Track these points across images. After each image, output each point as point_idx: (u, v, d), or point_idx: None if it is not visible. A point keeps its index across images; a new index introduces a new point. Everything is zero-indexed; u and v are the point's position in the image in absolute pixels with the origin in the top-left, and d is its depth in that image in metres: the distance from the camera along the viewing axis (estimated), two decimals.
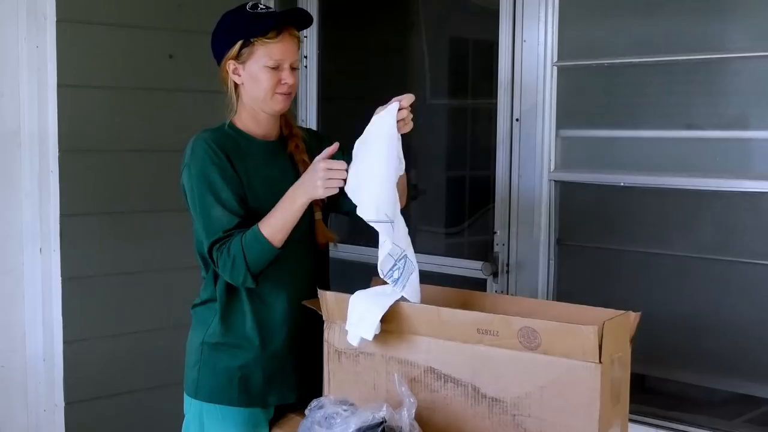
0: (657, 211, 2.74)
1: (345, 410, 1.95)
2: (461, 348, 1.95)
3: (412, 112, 2.07)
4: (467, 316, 1.96)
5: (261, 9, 2.22)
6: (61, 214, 3.13)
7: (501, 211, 2.97)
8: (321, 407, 1.99)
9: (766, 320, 2.53)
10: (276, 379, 2.27)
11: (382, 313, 2.01)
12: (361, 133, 2.07)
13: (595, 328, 1.77)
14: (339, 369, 2.15)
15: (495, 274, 2.98)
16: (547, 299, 2.85)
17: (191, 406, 2.30)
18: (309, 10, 3.42)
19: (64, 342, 3.15)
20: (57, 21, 3.08)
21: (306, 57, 3.61)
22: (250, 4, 2.23)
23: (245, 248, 2.11)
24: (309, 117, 3.66)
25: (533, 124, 2.87)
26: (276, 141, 2.32)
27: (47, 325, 3.16)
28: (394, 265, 2.03)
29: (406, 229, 2.07)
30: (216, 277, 2.25)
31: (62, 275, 3.14)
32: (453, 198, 3.59)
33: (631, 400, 2.00)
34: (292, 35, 2.22)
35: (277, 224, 2.11)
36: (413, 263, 2.07)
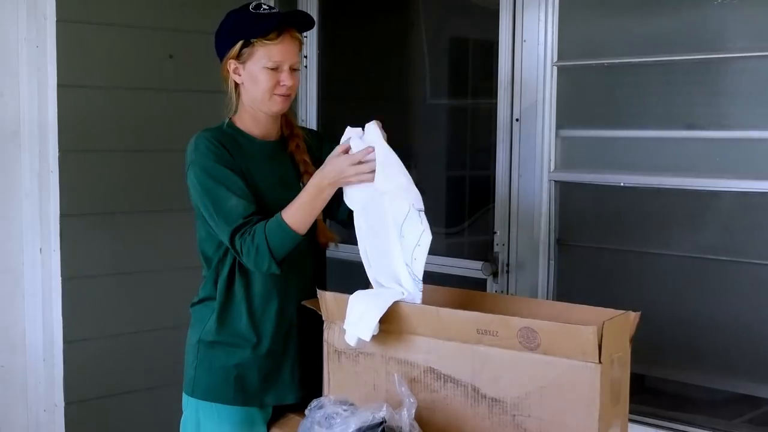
0: (657, 211, 2.74)
1: (345, 410, 1.96)
2: (461, 348, 1.95)
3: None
4: (467, 316, 1.96)
5: (264, 9, 2.22)
6: (61, 214, 3.13)
7: (501, 211, 2.97)
8: (321, 407, 1.99)
9: (766, 320, 2.53)
10: (273, 379, 2.27)
11: (381, 314, 2.01)
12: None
13: (594, 328, 1.77)
14: (339, 369, 2.15)
15: (495, 274, 2.98)
16: (547, 299, 2.85)
17: (188, 404, 2.31)
18: (309, 11, 3.44)
19: (64, 342, 3.15)
20: (57, 21, 3.08)
21: (306, 57, 3.61)
22: (254, 4, 2.23)
23: (269, 236, 2.11)
24: (309, 117, 3.66)
25: (533, 124, 2.87)
26: (276, 141, 2.33)
27: (47, 325, 3.16)
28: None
29: None
30: (217, 275, 2.25)
31: (62, 275, 3.14)
32: (453, 198, 3.59)
33: (631, 400, 2.00)
34: (293, 37, 2.22)
35: (303, 213, 2.11)
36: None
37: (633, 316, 1.96)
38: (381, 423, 1.88)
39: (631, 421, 2.05)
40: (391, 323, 2.03)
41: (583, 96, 2.92)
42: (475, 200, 3.43)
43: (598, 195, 2.87)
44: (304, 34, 2.32)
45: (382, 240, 2.07)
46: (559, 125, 2.87)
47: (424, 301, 2.06)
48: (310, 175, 2.16)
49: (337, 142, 2.13)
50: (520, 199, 2.92)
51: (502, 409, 1.91)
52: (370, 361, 2.09)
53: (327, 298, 2.13)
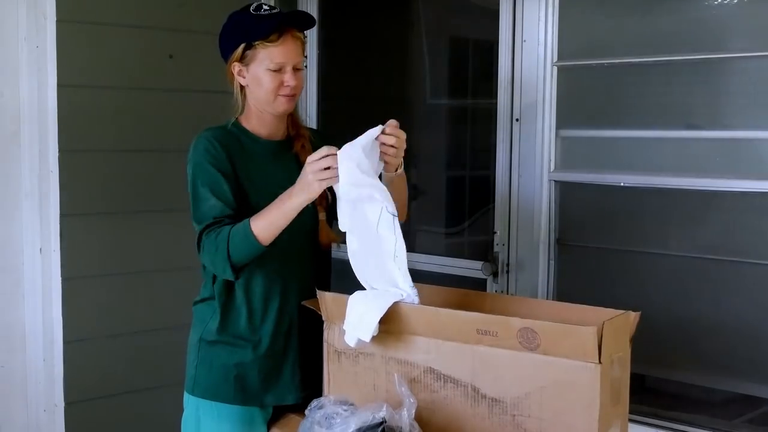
0: (657, 211, 2.74)
1: (345, 410, 1.96)
2: (461, 348, 1.95)
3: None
4: (467, 316, 1.96)
5: (264, 10, 2.22)
6: (61, 214, 3.12)
7: (501, 211, 2.97)
8: (321, 407, 1.99)
9: (766, 320, 2.53)
10: (273, 379, 2.27)
11: (381, 315, 2.01)
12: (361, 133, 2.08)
13: (594, 328, 1.77)
14: (339, 369, 2.15)
15: (495, 274, 2.98)
16: (547, 299, 2.85)
17: (189, 402, 2.31)
18: (309, 10, 3.44)
19: (64, 342, 3.15)
20: (57, 21, 3.07)
21: (306, 57, 3.61)
22: (254, 5, 2.23)
23: (231, 238, 2.10)
24: (309, 116, 3.66)
25: (533, 124, 2.87)
26: (282, 141, 2.33)
27: (47, 325, 3.16)
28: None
29: None
30: (215, 275, 2.25)
31: (62, 275, 3.14)
32: (453, 198, 3.59)
33: (631, 400, 2.00)
34: (294, 37, 2.22)
35: (268, 222, 2.09)
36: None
37: (633, 317, 1.96)
38: (381, 423, 1.88)
39: (631, 421, 2.05)
40: (391, 323, 2.03)
41: (583, 96, 2.92)
42: (475, 200, 3.43)
43: (598, 195, 2.87)
44: (305, 33, 2.32)
45: (370, 244, 2.07)
46: (559, 125, 2.87)
47: (424, 302, 2.06)
48: None
49: (337, 141, 2.13)
50: (520, 199, 2.92)
51: (502, 410, 1.91)
52: (370, 362, 2.09)
53: (327, 299, 2.13)
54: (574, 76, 2.89)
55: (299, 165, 2.29)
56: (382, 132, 2.05)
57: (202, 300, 2.32)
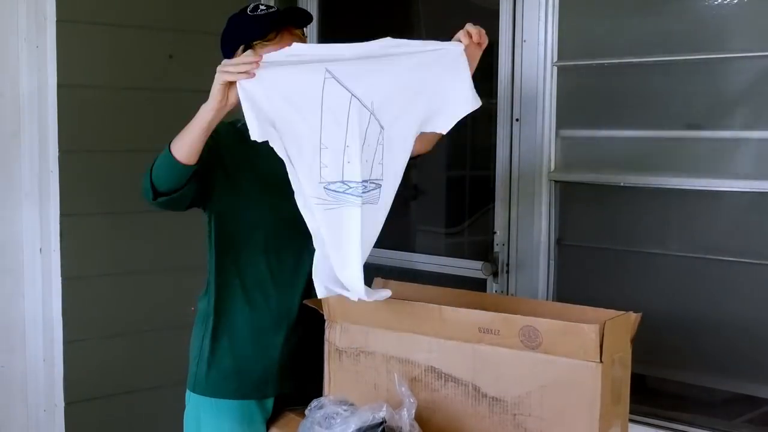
0: (657, 211, 2.74)
1: (345, 410, 1.96)
2: (462, 347, 1.96)
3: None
4: (468, 315, 1.96)
5: (261, 11, 2.22)
6: (61, 214, 3.12)
7: (501, 211, 2.97)
8: (321, 407, 2.00)
9: (766, 320, 2.53)
10: (272, 370, 2.27)
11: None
12: None
13: (596, 327, 1.77)
14: (339, 368, 2.15)
15: (495, 274, 2.98)
16: (547, 299, 2.85)
17: (190, 399, 2.32)
18: (309, 10, 3.43)
19: (64, 342, 3.15)
20: (57, 21, 3.07)
21: None
22: (251, 6, 2.23)
23: (155, 160, 2.10)
24: None
25: (533, 124, 2.87)
26: None
27: (47, 325, 3.16)
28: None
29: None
30: (216, 268, 2.26)
31: (62, 275, 3.14)
32: (453, 198, 3.59)
33: (632, 400, 2.01)
34: (292, 35, 2.22)
35: (181, 136, 2.06)
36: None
37: (634, 317, 1.96)
38: (381, 423, 1.88)
39: (632, 421, 2.06)
40: (392, 322, 2.03)
41: (583, 96, 2.92)
42: (475, 200, 3.42)
43: (598, 195, 2.87)
44: (305, 32, 2.31)
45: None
46: (559, 125, 2.87)
47: (425, 301, 2.05)
48: None
49: None
50: (520, 199, 2.92)
51: (503, 409, 1.91)
52: (371, 360, 2.10)
53: (329, 298, 2.13)
54: (574, 76, 2.89)
55: None
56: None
57: (204, 295, 2.33)
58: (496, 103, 2.97)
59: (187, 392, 2.32)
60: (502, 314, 1.92)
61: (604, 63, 2.81)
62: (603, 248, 2.87)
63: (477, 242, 3.33)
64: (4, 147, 3.11)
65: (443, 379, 1.99)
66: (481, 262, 3.01)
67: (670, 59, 2.66)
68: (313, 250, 2.19)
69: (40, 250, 3.15)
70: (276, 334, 2.27)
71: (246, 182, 2.24)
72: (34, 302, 3.16)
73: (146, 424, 3.33)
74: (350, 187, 1.99)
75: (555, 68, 2.85)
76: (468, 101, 2.04)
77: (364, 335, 2.11)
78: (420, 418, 1.93)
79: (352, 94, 1.96)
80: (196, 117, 2.02)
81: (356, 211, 1.98)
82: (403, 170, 2.04)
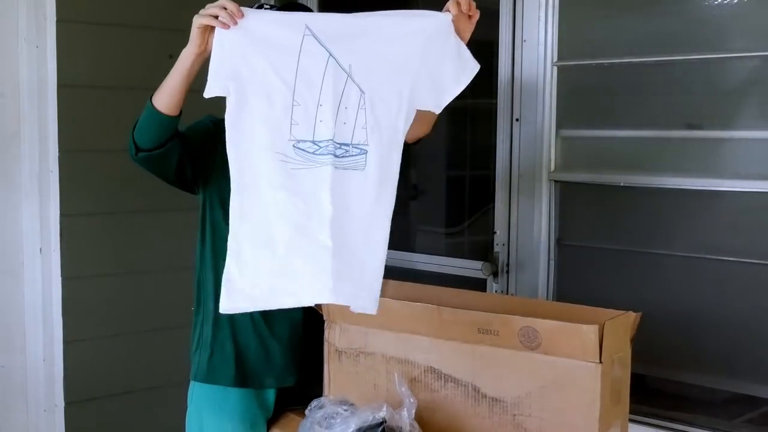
0: (657, 211, 2.74)
1: (345, 410, 1.96)
2: (462, 348, 1.96)
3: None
4: (468, 315, 1.96)
5: (265, 9, 2.22)
6: (61, 214, 3.12)
7: (501, 211, 2.97)
8: (321, 407, 2.00)
9: (766, 320, 2.53)
10: (272, 361, 2.27)
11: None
12: None
13: (595, 327, 1.77)
14: (339, 369, 2.16)
15: (495, 274, 2.97)
16: (547, 299, 2.85)
17: (192, 398, 2.32)
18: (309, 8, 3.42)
19: (64, 342, 3.15)
20: (57, 21, 3.07)
21: None
22: (255, 6, 2.23)
23: (140, 115, 2.09)
24: None
25: (533, 124, 2.87)
26: None
27: (47, 325, 3.16)
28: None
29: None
30: (209, 256, 2.27)
31: (62, 275, 3.14)
32: (453, 198, 3.59)
33: (632, 400, 2.01)
34: None
35: (163, 87, 2.06)
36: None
37: (634, 317, 1.96)
38: (381, 423, 1.88)
39: (631, 421, 2.06)
40: (391, 322, 2.03)
41: (583, 96, 2.92)
42: (475, 200, 3.42)
43: (598, 195, 2.87)
44: None
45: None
46: (559, 125, 2.87)
47: (425, 301, 2.05)
48: None
49: None
50: (520, 199, 2.91)
51: (503, 409, 1.91)
52: (371, 361, 2.10)
53: None
54: (574, 76, 2.89)
55: None
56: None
57: (199, 283, 2.32)
58: (496, 103, 2.96)
59: (190, 390, 2.33)
60: (502, 315, 1.92)
61: (604, 63, 2.81)
62: (603, 248, 2.87)
63: (477, 242, 3.33)
64: (4, 147, 3.11)
65: (443, 379, 1.99)
66: (481, 262, 3.01)
67: (670, 59, 2.66)
68: None
69: (40, 250, 3.15)
70: (277, 324, 2.27)
71: None
72: (34, 302, 3.16)
73: (146, 424, 3.33)
74: (320, 147, 1.95)
75: (555, 68, 2.85)
76: (456, 75, 1.98)
77: (363, 336, 2.11)
78: (420, 419, 1.93)
79: (330, 54, 1.94)
80: (176, 64, 2.02)
81: (326, 172, 1.93)
82: (396, 139, 1.97)
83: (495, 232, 2.98)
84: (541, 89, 2.85)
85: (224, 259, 2.07)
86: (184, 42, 2.02)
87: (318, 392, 2.20)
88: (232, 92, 1.94)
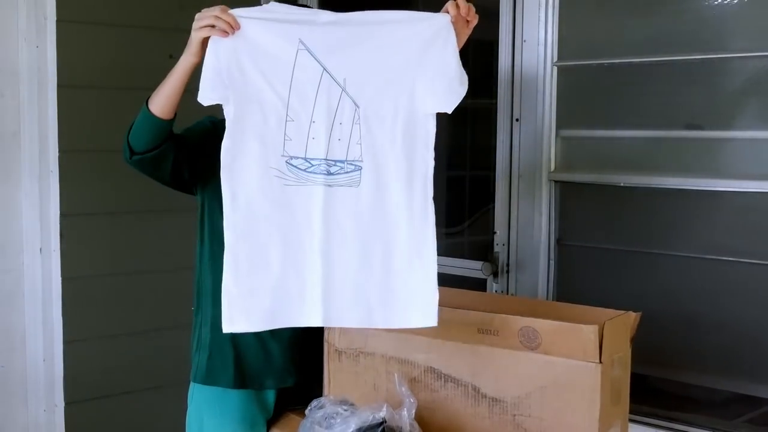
0: (657, 211, 2.74)
1: (345, 410, 1.96)
2: (461, 348, 1.96)
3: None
4: (468, 315, 1.96)
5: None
6: (61, 214, 3.12)
7: (501, 211, 2.97)
8: (321, 407, 2.00)
9: (766, 320, 2.53)
10: (272, 362, 2.27)
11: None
12: None
13: (595, 327, 1.77)
14: (339, 369, 2.15)
15: (495, 274, 2.97)
16: (547, 299, 2.85)
17: (192, 398, 2.32)
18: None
19: (64, 342, 3.15)
20: (57, 21, 3.07)
21: None
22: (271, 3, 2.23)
23: (136, 117, 2.10)
24: None
25: (533, 124, 2.87)
26: None
27: (47, 325, 3.16)
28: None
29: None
30: (208, 257, 2.27)
31: (62, 275, 3.14)
32: (453, 198, 3.59)
33: (632, 400, 2.01)
34: None
35: (159, 91, 2.06)
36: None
37: (633, 317, 1.96)
38: (381, 423, 1.88)
39: (631, 421, 2.06)
40: None
41: (583, 96, 2.92)
42: (475, 200, 3.43)
43: (598, 195, 2.87)
44: None
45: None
46: (559, 125, 2.87)
47: None
48: None
49: None
50: (520, 199, 2.91)
51: (503, 409, 1.91)
52: (371, 361, 2.09)
53: None
54: (574, 76, 2.89)
55: None
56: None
57: (198, 284, 2.32)
58: (496, 103, 2.96)
59: (190, 391, 2.32)
60: (502, 315, 1.92)
61: (604, 63, 2.81)
62: (603, 248, 2.87)
63: (477, 242, 3.33)
64: (4, 147, 3.11)
65: (443, 379, 1.99)
66: (481, 262, 3.01)
67: (670, 59, 2.66)
68: None
69: (40, 250, 3.15)
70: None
71: None
72: (34, 302, 3.16)
73: (146, 424, 3.33)
74: (312, 165, 1.95)
75: (555, 68, 2.85)
76: (461, 75, 1.95)
77: (363, 336, 2.11)
78: (420, 419, 1.93)
79: (324, 69, 1.94)
80: (174, 70, 2.03)
81: (318, 191, 1.94)
82: (394, 152, 1.96)
83: (495, 232, 2.98)
84: (541, 89, 2.85)
85: (223, 261, 2.09)
86: (184, 42, 2.02)
87: (318, 392, 2.20)
88: (231, 101, 1.94)
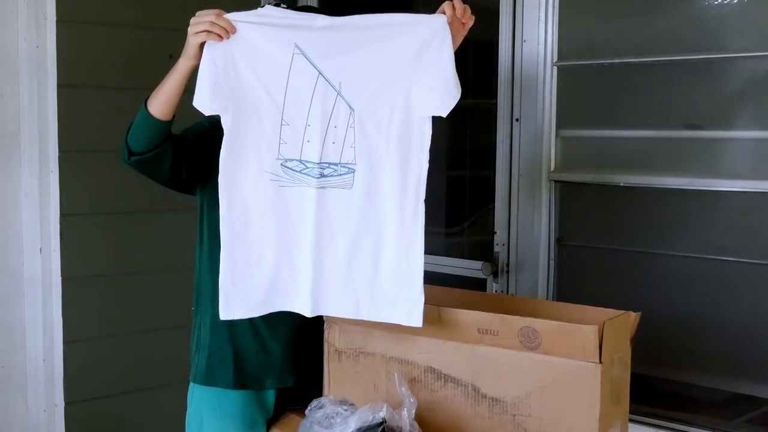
0: (657, 211, 2.74)
1: (345, 410, 1.96)
2: (461, 348, 1.96)
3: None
4: (468, 316, 1.96)
5: (282, 7, 2.21)
6: (61, 214, 3.12)
7: (501, 211, 2.97)
8: (321, 407, 2.00)
9: (766, 320, 2.53)
10: (272, 362, 2.27)
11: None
12: None
13: (595, 327, 1.77)
14: (339, 369, 2.15)
15: (495, 274, 2.97)
16: (547, 299, 2.85)
17: (192, 398, 2.32)
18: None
19: (64, 342, 3.15)
20: (57, 21, 3.07)
21: None
22: (273, 3, 2.22)
23: (134, 119, 2.11)
24: None
25: (533, 124, 2.87)
26: None
27: (47, 325, 3.16)
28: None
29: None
30: (207, 257, 2.26)
31: (62, 275, 3.14)
32: (453, 198, 3.59)
33: (632, 400, 2.00)
34: None
35: (157, 92, 2.07)
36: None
37: (633, 317, 1.96)
38: (381, 423, 1.88)
39: (631, 421, 2.06)
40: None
41: (583, 96, 2.92)
42: (475, 200, 3.42)
43: (598, 195, 2.87)
44: None
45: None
46: (559, 125, 2.87)
47: (425, 301, 2.05)
48: None
49: None
50: (520, 199, 2.91)
51: (503, 409, 1.91)
52: (371, 361, 2.10)
53: None
54: (574, 76, 2.89)
55: None
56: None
57: (197, 284, 2.32)
58: (496, 103, 2.97)
59: (189, 391, 2.32)
60: (502, 315, 1.92)
61: (604, 63, 2.81)
62: (603, 248, 2.87)
63: (477, 242, 3.33)
64: (4, 147, 3.11)
65: (443, 379, 1.99)
66: (481, 262, 3.01)
67: (670, 59, 2.66)
68: None
69: (40, 250, 3.15)
70: (277, 325, 2.26)
71: None
72: (34, 302, 3.16)
73: (146, 424, 3.33)
74: (306, 167, 1.98)
75: (555, 68, 2.85)
76: (450, 84, 1.96)
77: (363, 336, 2.11)
78: (420, 419, 1.93)
79: (320, 73, 1.95)
80: (172, 73, 2.04)
81: (311, 192, 1.98)
82: (388, 155, 1.97)
83: (495, 232, 2.98)
84: (541, 89, 2.85)
85: (217, 263, 2.10)
86: (183, 42, 2.02)
87: (318, 392, 2.20)
88: (229, 110, 1.96)
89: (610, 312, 1.96)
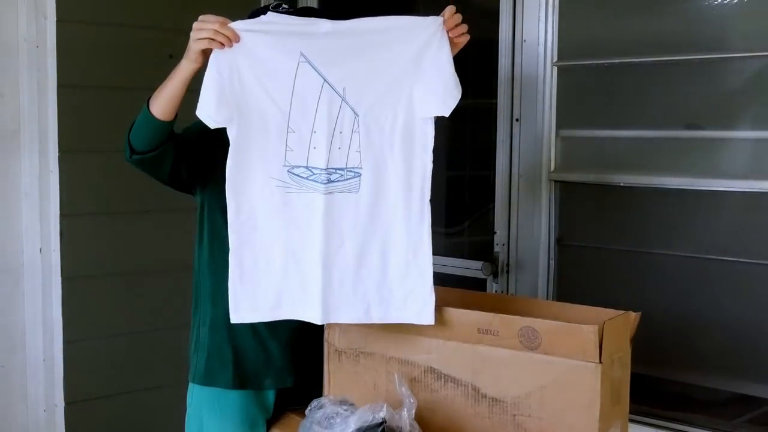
0: (657, 211, 2.74)
1: (345, 410, 1.96)
2: (461, 348, 1.96)
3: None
4: (468, 316, 1.96)
5: (282, 9, 2.21)
6: (61, 214, 3.12)
7: (501, 211, 2.97)
8: (321, 407, 2.00)
9: (766, 320, 2.53)
10: (271, 362, 2.27)
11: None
12: None
13: (595, 327, 1.77)
14: (339, 369, 2.15)
15: (495, 274, 2.97)
16: (547, 299, 2.85)
17: (192, 398, 2.32)
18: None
19: (64, 342, 3.15)
20: (57, 21, 3.07)
21: None
22: (273, 3, 2.23)
23: (136, 118, 2.11)
24: None
25: (533, 124, 2.87)
26: None
27: (47, 325, 3.16)
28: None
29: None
30: (207, 257, 2.26)
31: (62, 275, 3.14)
32: (453, 198, 3.59)
33: (632, 400, 2.00)
34: None
35: (159, 94, 2.07)
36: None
37: (633, 317, 1.96)
38: (381, 423, 1.88)
39: (631, 421, 2.06)
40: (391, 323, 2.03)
41: (583, 96, 2.92)
42: (475, 200, 3.42)
43: (598, 195, 2.87)
44: None
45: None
46: (559, 125, 2.87)
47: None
48: None
49: None
50: (520, 199, 2.92)
51: (503, 409, 1.91)
52: (371, 361, 2.10)
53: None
54: (574, 76, 2.89)
55: None
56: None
57: (196, 284, 2.32)
58: (496, 103, 2.97)
59: (189, 391, 2.32)
60: (501, 315, 1.92)
61: (604, 63, 2.81)
62: (603, 248, 2.87)
63: (477, 242, 3.33)
64: (4, 147, 3.11)
65: (443, 379, 1.99)
66: (481, 262, 3.01)
67: (670, 59, 2.66)
68: None
69: (40, 250, 3.15)
70: (276, 325, 2.26)
71: None
72: (34, 302, 3.16)
73: (146, 424, 3.33)
74: (313, 173, 1.99)
75: (555, 68, 2.85)
76: (450, 84, 1.97)
77: (363, 336, 2.11)
78: (420, 419, 1.93)
79: (325, 80, 1.96)
80: (174, 74, 2.04)
81: (319, 198, 1.98)
82: (392, 157, 1.99)
83: (495, 232, 2.98)
84: (541, 89, 2.86)
85: (222, 262, 2.11)
86: (184, 42, 2.02)
87: (318, 392, 2.20)
88: (234, 122, 1.97)
89: (610, 312, 1.96)
